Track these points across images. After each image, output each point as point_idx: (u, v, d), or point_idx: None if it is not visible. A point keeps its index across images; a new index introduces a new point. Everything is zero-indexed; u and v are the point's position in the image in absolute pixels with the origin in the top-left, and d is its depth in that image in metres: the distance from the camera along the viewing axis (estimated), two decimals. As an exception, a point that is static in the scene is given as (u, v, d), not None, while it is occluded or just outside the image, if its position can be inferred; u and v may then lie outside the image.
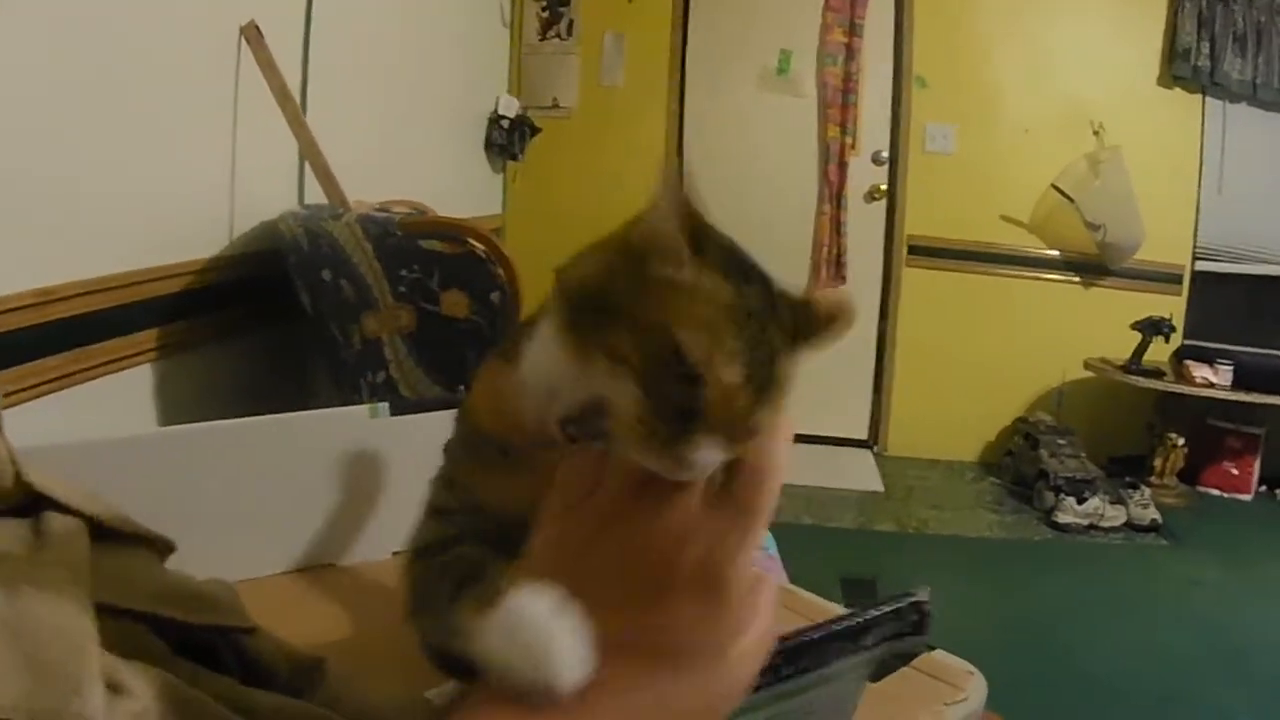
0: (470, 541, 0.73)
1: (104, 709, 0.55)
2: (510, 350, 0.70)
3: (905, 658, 1.03)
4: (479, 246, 2.78)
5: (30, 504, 0.74)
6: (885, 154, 6.25)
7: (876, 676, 0.87)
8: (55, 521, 0.73)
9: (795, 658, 0.66)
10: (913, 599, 0.73)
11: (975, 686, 1.04)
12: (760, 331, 0.59)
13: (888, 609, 0.71)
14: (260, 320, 3.23)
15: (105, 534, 0.77)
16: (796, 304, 0.63)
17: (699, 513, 0.60)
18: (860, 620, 0.70)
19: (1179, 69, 5.95)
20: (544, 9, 6.26)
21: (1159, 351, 5.80)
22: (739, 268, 0.62)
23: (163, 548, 0.86)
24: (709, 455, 0.58)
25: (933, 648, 1.05)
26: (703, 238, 0.61)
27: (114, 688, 0.58)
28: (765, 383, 0.59)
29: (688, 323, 0.57)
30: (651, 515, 0.60)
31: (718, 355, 0.57)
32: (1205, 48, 5.92)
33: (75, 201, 2.35)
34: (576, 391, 0.61)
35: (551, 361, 0.63)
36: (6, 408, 2.07)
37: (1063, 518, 5.17)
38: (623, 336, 0.59)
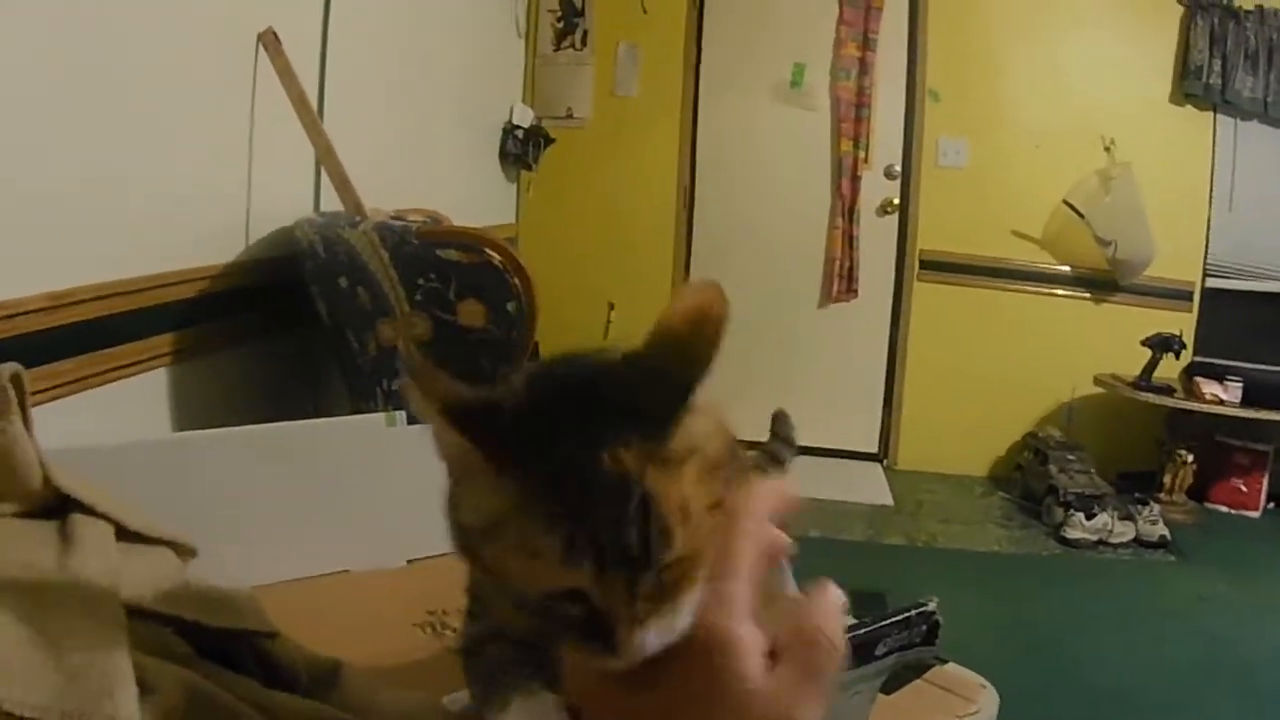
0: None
1: (136, 710, 0.56)
2: None
3: (917, 669, 1.04)
4: (496, 256, 2.78)
5: (57, 506, 0.75)
6: (898, 168, 6.25)
7: (889, 689, 0.88)
8: (83, 524, 0.74)
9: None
10: (922, 609, 0.74)
11: (987, 699, 1.05)
12: (591, 488, 0.49)
13: (897, 618, 0.72)
14: (275, 326, 3.24)
15: (129, 537, 0.78)
16: (642, 361, 0.54)
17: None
18: (870, 630, 0.71)
19: (1190, 86, 5.95)
20: (559, 19, 6.28)
21: (1169, 368, 5.79)
22: (538, 418, 0.52)
23: (184, 552, 0.87)
24: (642, 643, 0.52)
25: (945, 661, 1.06)
26: (475, 427, 0.52)
27: (142, 687, 0.59)
28: (636, 538, 0.49)
29: (512, 559, 0.51)
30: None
31: (555, 563, 0.49)
32: (1217, 65, 5.93)
33: (91, 206, 2.36)
34: None
35: None
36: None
37: (1072, 533, 5.16)
38: (491, 596, 0.57)
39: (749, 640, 0.55)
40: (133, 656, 0.61)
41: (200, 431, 1.37)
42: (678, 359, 0.53)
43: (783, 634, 0.57)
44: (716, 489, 0.54)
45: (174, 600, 0.73)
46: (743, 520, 0.57)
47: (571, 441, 0.50)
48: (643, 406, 0.51)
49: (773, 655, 0.56)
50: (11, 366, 0.74)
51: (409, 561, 1.38)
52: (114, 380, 2.49)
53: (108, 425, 2.47)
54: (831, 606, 0.59)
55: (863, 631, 0.70)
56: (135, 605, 0.67)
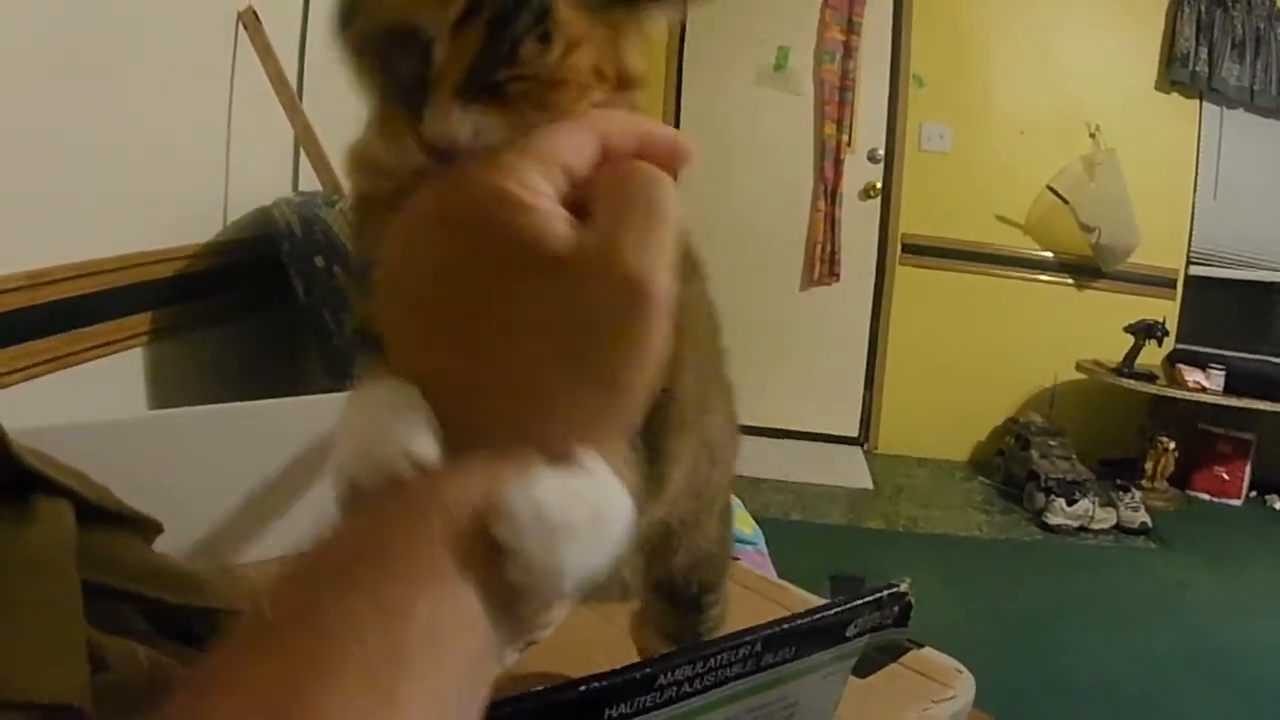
0: None
1: (86, 685, 0.55)
2: None
3: (892, 653, 1.03)
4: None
5: (18, 482, 0.74)
6: (881, 152, 6.25)
7: (862, 672, 0.87)
8: (43, 500, 0.73)
9: (776, 646, 0.66)
10: (894, 590, 0.73)
11: (964, 685, 1.04)
12: None
13: (868, 599, 0.71)
14: (253, 306, 3.23)
15: (92, 514, 0.77)
16: None
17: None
18: (842, 610, 0.70)
19: (1177, 73, 5.96)
20: (543, 1, 6.25)
21: (1152, 355, 5.81)
22: None
23: (150, 529, 0.86)
24: (449, 120, 0.47)
25: (921, 645, 1.06)
26: None
27: (98, 664, 0.58)
28: (512, 17, 0.46)
29: None
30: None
31: None
32: (1203, 53, 5.93)
33: (69, 184, 2.34)
34: None
35: None
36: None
37: (1052, 519, 5.18)
38: (355, 37, 0.52)
39: (538, 203, 0.47)
40: (89, 633, 0.60)
41: (176, 409, 1.36)
42: None
43: (591, 192, 0.49)
44: (611, 66, 0.51)
45: (135, 577, 0.72)
46: (603, 116, 0.51)
47: None
48: None
49: (576, 211, 0.48)
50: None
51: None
52: (91, 359, 2.48)
53: (84, 404, 2.46)
54: (634, 122, 0.51)
55: (833, 612, 0.70)
56: (94, 582, 0.66)
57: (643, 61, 0.53)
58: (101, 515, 0.78)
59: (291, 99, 3.07)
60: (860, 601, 0.71)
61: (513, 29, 0.46)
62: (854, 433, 6.52)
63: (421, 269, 0.49)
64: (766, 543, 2.15)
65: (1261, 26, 5.94)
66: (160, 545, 0.86)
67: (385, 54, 0.48)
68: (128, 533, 0.82)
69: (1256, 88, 5.97)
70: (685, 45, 6.29)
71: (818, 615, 0.68)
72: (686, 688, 0.61)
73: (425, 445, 0.46)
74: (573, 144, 0.49)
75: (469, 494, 0.43)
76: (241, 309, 3.19)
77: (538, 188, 0.47)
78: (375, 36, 0.49)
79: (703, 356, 0.66)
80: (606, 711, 0.58)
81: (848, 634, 0.72)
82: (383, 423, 0.47)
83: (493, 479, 0.44)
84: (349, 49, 0.52)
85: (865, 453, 6.40)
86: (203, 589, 0.80)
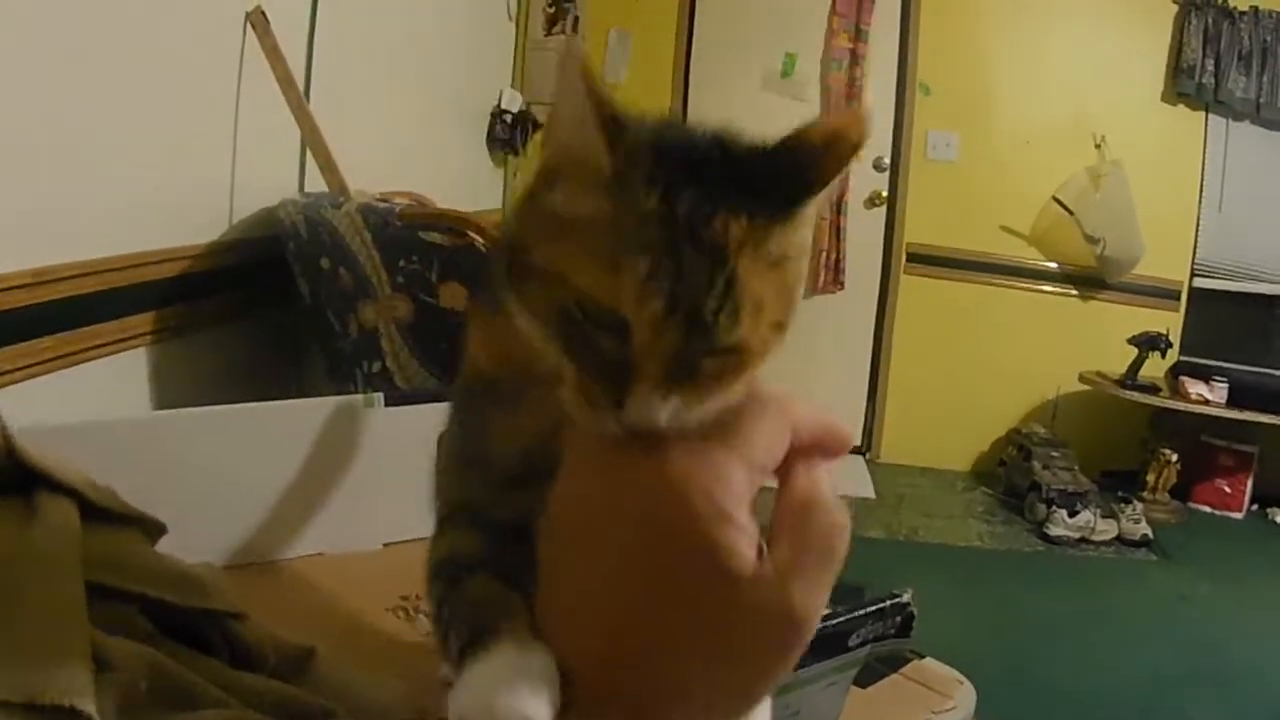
0: (490, 563, 0.62)
1: (89, 685, 0.55)
2: (490, 297, 0.60)
3: (893, 663, 1.03)
4: (479, 240, 2.76)
5: (21, 480, 0.74)
6: (886, 160, 6.25)
7: (864, 682, 0.87)
8: (47, 499, 0.72)
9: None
10: (897, 600, 0.73)
11: (964, 695, 1.04)
12: (695, 249, 0.49)
13: (871, 609, 0.71)
14: (257, 307, 3.23)
15: (96, 513, 0.77)
16: (773, 154, 0.53)
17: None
18: (844, 620, 0.70)
19: (1183, 85, 5.96)
20: (550, 4, 6.25)
21: (1155, 367, 5.81)
22: (670, 156, 0.51)
23: (154, 530, 0.86)
24: (661, 410, 0.50)
25: (922, 655, 1.06)
26: (617, 138, 0.51)
27: (102, 664, 0.58)
28: (711, 306, 0.49)
29: (585, 260, 0.50)
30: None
31: (625, 285, 0.49)
32: (1210, 65, 5.93)
33: (74, 183, 2.34)
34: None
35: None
36: (0, 387, 2.06)
37: (1054, 530, 5.18)
38: (536, 298, 0.53)
39: (739, 520, 0.50)
40: (92, 634, 0.60)
41: (179, 410, 1.36)
42: (805, 161, 0.52)
43: (774, 514, 0.53)
44: (785, 312, 0.54)
45: (138, 578, 0.72)
46: (782, 403, 0.55)
47: (691, 188, 0.50)
48: (761, 189, 0.51)
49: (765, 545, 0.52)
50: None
51: (385, 545, 1.37)
52: (94, 358, 2.48)
53: (87, 403, 2.46)
54: (824, 478, 0.56)
55: (836, 622, 0.70)
56: (98, 583, 0.66)
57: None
58: (105, 515, 0.78)
59: (299, 100, 3.07)
60: (863, 611, 0.70)
61: (707, 317, 0.49)
62: (857, 441, 6.50)
63: (602, 546, 0.52)
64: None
65: (1268, 39, 5.94)
66: (164, 546, 0.86)
67: (579, 322, 0.51)
68: (131, 533, 0.82)
69: (1263, 100, 5.97)
70: (693, 50, 6.30)
71: (821, 624, 0.68)
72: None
73: (541, 714, 0.49)
74: (772, 442, 0.53)
75: None
76: (246, 309, 3.19)
77: (743, 496, 0.51)
78: (570, 308, 0.51)
79: None
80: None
81: (850, 643, 0.72)
82: (508, 683, 0.50)
83: None
84: (531, 305, 0.54)
85: (868, 461, 6.40)
86: (206, 590, 0.79)
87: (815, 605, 0.51)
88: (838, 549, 0.53)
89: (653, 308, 0.48)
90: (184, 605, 0.74)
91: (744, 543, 0.50)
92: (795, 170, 0.52)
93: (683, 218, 0.49)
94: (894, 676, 1.03)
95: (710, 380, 0.51)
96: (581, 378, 0.51)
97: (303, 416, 1.38)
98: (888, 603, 0.72)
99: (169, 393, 2.80)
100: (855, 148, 0.52)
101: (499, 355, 0.62)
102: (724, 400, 0.52)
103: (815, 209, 0.54)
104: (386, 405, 1.37)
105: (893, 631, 0.74)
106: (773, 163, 0.52)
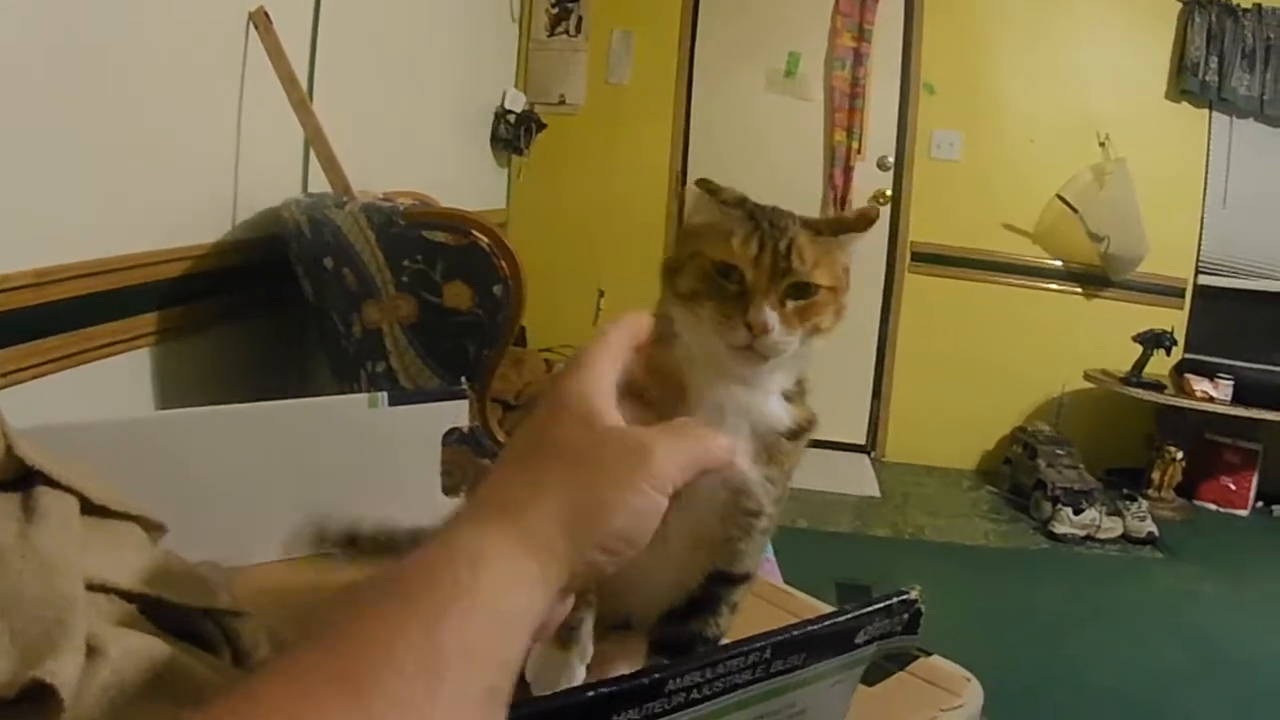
0: None
1: (76, 673, 0.55)
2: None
3: (900, 661, 1.03)
4: (483, 239, 2.76)
5: (22, 478, 0.74)
6: (891, 159, 6.24)
7: (870, 680, 0.87)
8: (46, 496, 0.72)
9: (786, 653, 0.65)
10: (903, 597, 0.72)
11: (972, 693, 1.04)
12: (770, 224, 0.80)
13: (878, 606, 0.71)
14: (261, 307, 3.23)
15: (96, 511, 0.77)
16: (818, 220, 0.84)
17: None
18: (850, 617, 0.70)
19: (1187, 83, 5.95)
20: (553, 5, 6.26)
21: (1160, 364, 5.80)
22: (745, 202, 0.83)
23: (154, 528, 0.86)
24: (770, 316, 0.77)
25: (929, 653, 1.05)
26: (715, 193, 0.82)
27: (95, 652, 0.58)
28: (784, 249, 0.79)
29: (713, 239, 0.80)
30: None
31: (735, 244, 0.78)
32: (1214, 62, 5.93)
33: (77, 183, 2.34)
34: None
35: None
36: (4, 387, 2.06)
37: (1059, 528, 5.17)
38: (687, 279, 0.81)
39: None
40: (95, 624, 0.59)
41: (181, 410, 1.36)
42: (840, 220, 0.86)
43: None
44: (836, 280, 0.85)
45: (138, 576, 0.72)
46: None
47: (768, 213, 0.82)
48: (810, 224, 0.83)
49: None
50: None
51: (388, 544, 1.37)
52: (99, 358, 2.48)
53: (91, 403, 2.47)
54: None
55: (842, 619, 0.69)
56: (98, 581, 0.66)
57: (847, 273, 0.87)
58: (106, 513, 0.78)
59: (302, 99, 3.07)
60: (871, 608, 0.70)
61: (781, 257, 0.79)
62: (862, 440, 6.51)
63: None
64: (774, 550, 2.14)
65: (1272, 37, 5.93)
66: (167, 544, 0.86)
67: (713, 278, 0.79)
68: (132, 531, 0.82)
69: (1266, 98, 5.95)
70: (696, 51, 6.30)
71: (828, 622, 0.68)
72: (695, 694, 0.61)
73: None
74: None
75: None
76: (249, 309, 3.19)
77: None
78: (708, 270, 0.80)
79: None
80: (615, 717, 0.57)
81: (857, 641, 0.71)
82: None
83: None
84: (684, 286, 0.82)
85: (873, 460, 6.39)
86: (207, 588, 0.79)
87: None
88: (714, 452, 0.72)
89: (751, 252, 0.78)
90: (184, 603, 0.74)
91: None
92: (834, 223, 0.85)
93: (760, 213, 0.81)
94: (900, 674, 1.03)
95: (797, 310, 0.80)
96: (717, 312, 0.78)
97: (307, 416, 1.38)
98: (895, 600, 0.72)
99: (173, 392, 2.80)
100: (872, 222, 0.86)
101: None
102: (809, 335, 0.81)
103: (847, 253, 0.87)
104: (391, 405, 1.36)
105: (899, 629, 0.73)
106: (820, 221, 0.84)
